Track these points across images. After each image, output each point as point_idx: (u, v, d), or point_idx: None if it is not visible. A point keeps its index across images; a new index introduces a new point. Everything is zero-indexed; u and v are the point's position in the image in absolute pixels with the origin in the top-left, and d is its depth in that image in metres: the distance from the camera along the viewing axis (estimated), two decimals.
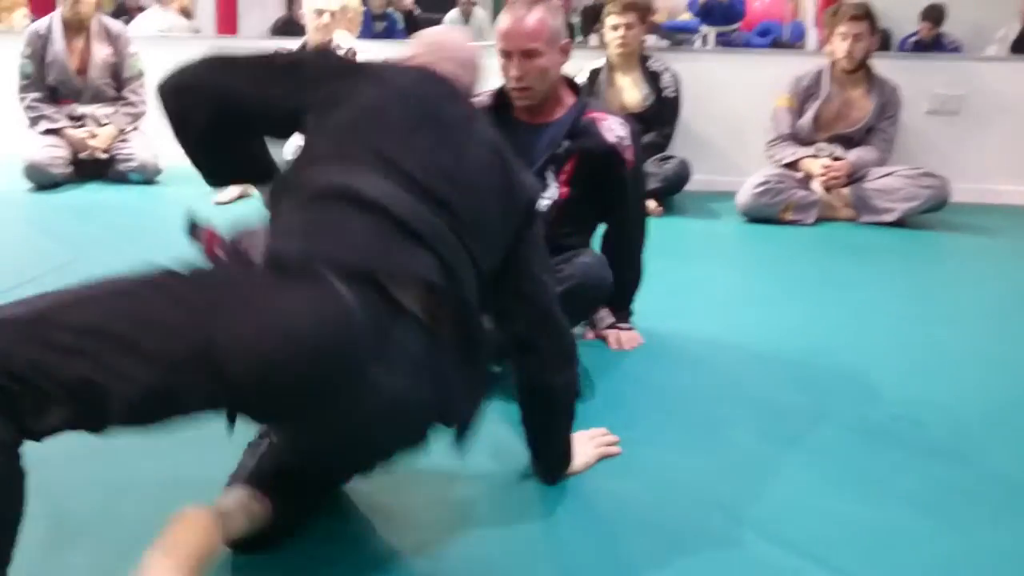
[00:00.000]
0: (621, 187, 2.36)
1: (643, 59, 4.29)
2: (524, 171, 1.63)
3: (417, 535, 1.61)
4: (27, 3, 6.01)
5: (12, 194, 4.23)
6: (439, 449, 1.48)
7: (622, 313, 2.57)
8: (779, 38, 8.00)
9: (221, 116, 1.52)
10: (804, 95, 4.17)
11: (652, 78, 4.25)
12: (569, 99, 2.34)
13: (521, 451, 1.78)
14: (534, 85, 2.26)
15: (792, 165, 4.09)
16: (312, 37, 4.44)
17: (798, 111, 4.16)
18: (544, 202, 2.29)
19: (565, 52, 2.27)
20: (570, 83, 2.37)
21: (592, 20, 6.16)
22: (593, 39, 6.05)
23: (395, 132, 1.45)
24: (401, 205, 1.35)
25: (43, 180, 4.27)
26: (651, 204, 4.05)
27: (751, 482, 1.81)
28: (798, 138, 4.15)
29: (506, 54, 2.24)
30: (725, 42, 7.04)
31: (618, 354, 2.47)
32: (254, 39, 7.12)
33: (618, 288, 2.39)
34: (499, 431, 1.91)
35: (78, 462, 1.68)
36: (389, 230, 1.33)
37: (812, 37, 7.73)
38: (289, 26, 7.60)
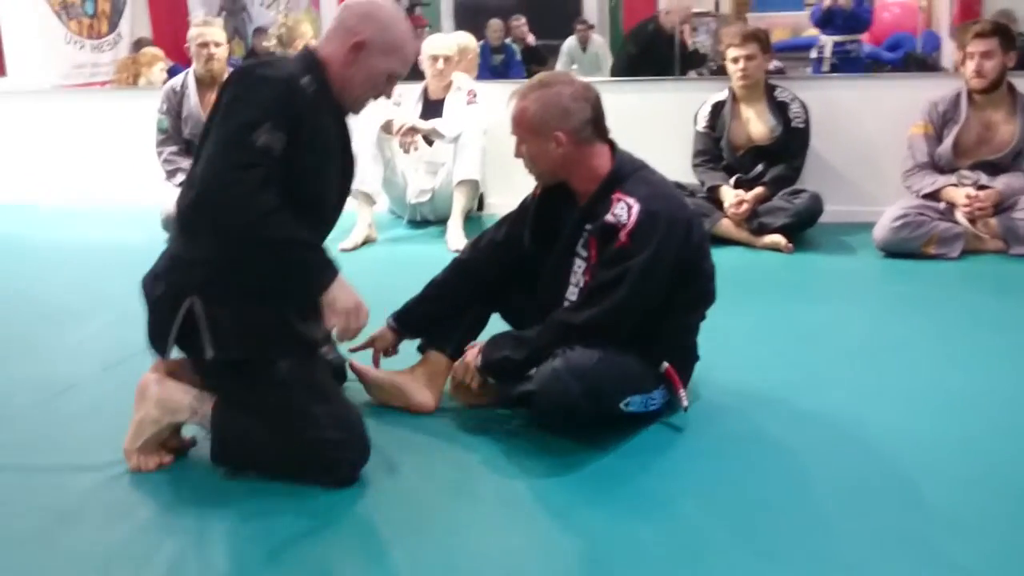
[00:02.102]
0: (606, 259, 2.16)
1: (769, 89, 4.15)
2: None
3: None
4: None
5: (150, 245, 4.38)
6: None
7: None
8: (911, 51, 7.63)
9: None
10: (941, 120, 3.93)
11: (779, 108, 4.10)
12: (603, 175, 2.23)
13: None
14: (529, 169, 2.29)
15: (933, 195, 3.85)
16: (430, 83, 4.49)
17: (936, 138, 3.93)
18: (570, 289, 2.24)
19: (559, 144, 2.18)
20: (615, 158, 2.25)
21: None
22: None
23: None
24: None
25: None
26: (781, 240, 3.91)
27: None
28: (937, 166, 3.92)
29: None
30: (842, 53, 6.67)
31: (738, 415, 2.35)
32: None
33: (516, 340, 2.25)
34: None
35: None
36: None
37: (948, 49, 7.36)
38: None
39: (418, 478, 2.09)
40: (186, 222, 2.06)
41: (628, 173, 2.23)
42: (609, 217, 2.15)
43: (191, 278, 2.04)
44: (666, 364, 2.26)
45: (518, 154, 2.28)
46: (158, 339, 2.11)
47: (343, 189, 2.25)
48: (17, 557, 1.84)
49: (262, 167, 1.92)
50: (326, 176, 2.14)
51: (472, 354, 2.32)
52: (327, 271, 2.02)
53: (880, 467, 2.07)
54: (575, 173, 2.25)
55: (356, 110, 2.21)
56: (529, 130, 2.22)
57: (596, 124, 2.22)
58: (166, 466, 2.15)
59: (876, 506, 1.91)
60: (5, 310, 3.49)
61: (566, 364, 2.10)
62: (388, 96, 2.23)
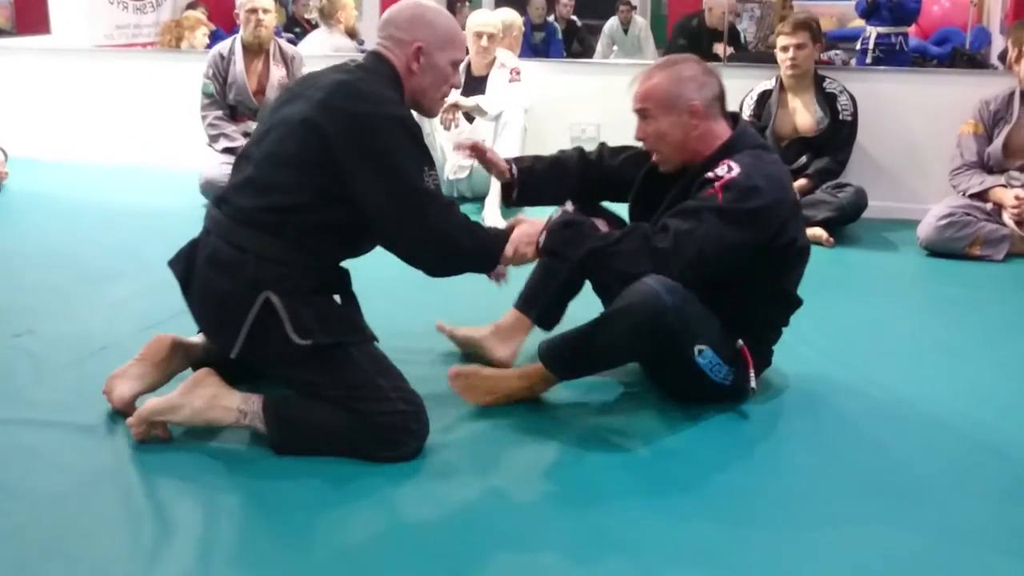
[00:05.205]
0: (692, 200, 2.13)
1: (819, 80, 4.08)
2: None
3: None
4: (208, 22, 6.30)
5: (189, 210, 4.41)
6: None
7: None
8: (959, 47, 7.48)
9: None
10: (992, 120, 3.86)
11: (828, 100, 4.03)
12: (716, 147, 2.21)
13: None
14: (658, 148, 2.25)
15: (980, 195, 3.79)
16: (474, 59, 4.45)
17: (986, 137, 3.86)
18: None
19: (695, 115, 2.17)
20: (736, 130, 2.23)
21: None
22: None
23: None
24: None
25: None
26: (822, 234, 3.86)
27: None
28: (986, 166, 3.84)
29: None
30: (887, 45, 6.54)
31: (780, 412, 2.32)
32: None
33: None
34: None
35: None
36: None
37: (999, 45, 7.21)
38: None
39: (462, 462, 2.09)
40: (268, 223, 2.04)
41: (744, 146, 2.21)
42: (709, 174, 2.14)
43: (265, 273, 2.03)
44: (740, 342, 2.24)
45: (642, 135, 2.25)
46: (224, 333, 2.10)
47: None
48: (50, 514, 1.85)
49: (451, 203, 2.12)
50: None
51: (535, 229, 2.20)
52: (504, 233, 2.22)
53: (910, 470, 2.05)
54: (701, 150, 2.21)
55: (435, 112, 2.26)
56: (661, 104, 2.19)
57: (722, 100, 2.24)
58: (161, 439, 2.13)
59: (895, 509, 1.89)
60: (44, 268, 3.51)
61: (658, 281, 2.06)
62: (458, 86, 2.26)
